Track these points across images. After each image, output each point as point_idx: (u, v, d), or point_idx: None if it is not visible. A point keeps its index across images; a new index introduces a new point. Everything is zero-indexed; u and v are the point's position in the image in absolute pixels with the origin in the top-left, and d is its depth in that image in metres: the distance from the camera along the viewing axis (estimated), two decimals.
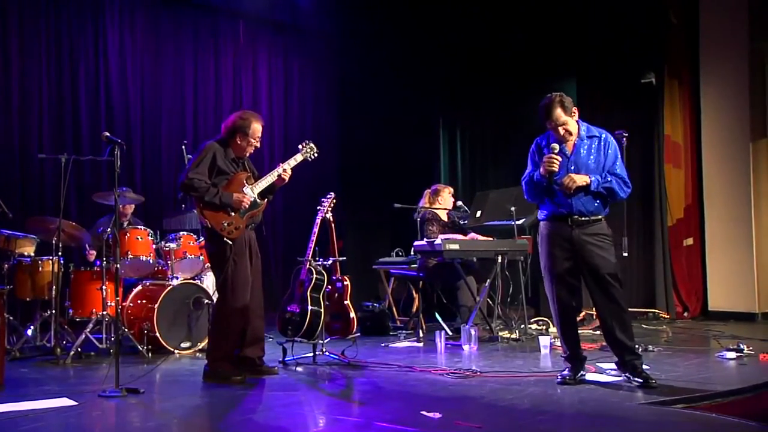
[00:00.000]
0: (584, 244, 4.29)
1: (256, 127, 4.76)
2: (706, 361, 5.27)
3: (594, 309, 4.53)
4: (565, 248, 4.33)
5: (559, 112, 4.28)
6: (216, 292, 4.89)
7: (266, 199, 4.88)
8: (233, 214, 4.65)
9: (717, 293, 7.98)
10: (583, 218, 4.31)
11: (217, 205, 4.60)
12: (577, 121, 4.39)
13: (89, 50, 7.95)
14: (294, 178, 9.14)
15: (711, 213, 8.08)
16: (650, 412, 3.74)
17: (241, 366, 4.79)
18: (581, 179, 4.25)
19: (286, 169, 4.85)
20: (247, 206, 4.70)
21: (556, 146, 4.29)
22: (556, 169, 4.25)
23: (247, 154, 4.84)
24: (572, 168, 4.31)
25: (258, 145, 4.82)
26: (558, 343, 5.87)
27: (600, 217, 4.37)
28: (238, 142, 4.75)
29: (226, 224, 4.62)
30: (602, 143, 4.38)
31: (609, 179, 4.31)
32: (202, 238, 5.93)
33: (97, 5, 8.01)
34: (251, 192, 4.75)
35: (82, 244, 6.35)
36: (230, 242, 4.61)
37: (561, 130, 4.31)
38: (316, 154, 5.06)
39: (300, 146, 5.08)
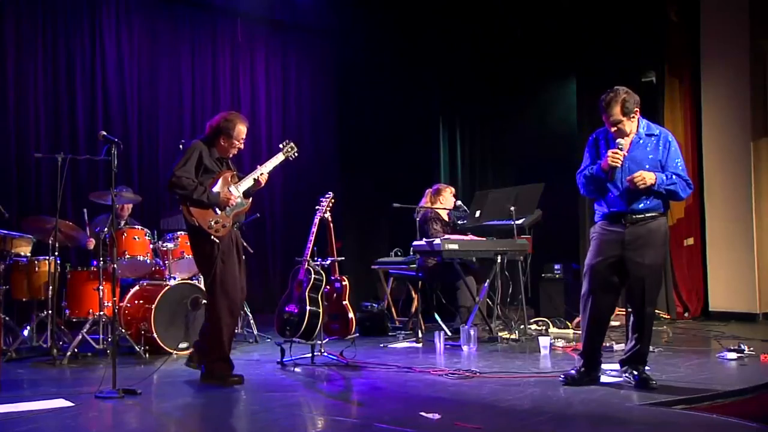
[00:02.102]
0: (635, 243, 4.21)
1: (241, 129, 4.77)
2: (706, 361, 5.25)
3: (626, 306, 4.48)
4: (613, 249, 4.25)
5: (617, 110, 4.17)
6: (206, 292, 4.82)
7: (250, 199, 4.90)
8: (220, 212, 4.65)
9: (717, 293, 7.95)
10: (637, 215, 4.23)
11: (204, 203, 4.60)
12: (638, 118, 4.30)
13: (86, 49, 7.93)
14: (293, 178, 9.29)
15: (711, 212, 8.05)
16: (651, 413, 3.73)
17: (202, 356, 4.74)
18: (650, 177, 4.15)
19: (263, 172, 4.87)
20: (233, 205, 4.71)
21: (622, 141, 4.20)
22: (619, 165, 4.18)
23: (231, 155, 4.84)
24: (628, 165, 4.22)
25: (242, 146, 4.82)
26: (558, 343, 5.90)
27: (655, 214, 4.27)
28: (222, 143, 4.75)
29: (213, 223, 4.61)
30: (661, 142, 4.29)
31: (674, 180, 4.22)
32: None
33: (93, 3, 7.99)
34: (236, 191, 4.76)
35: (80, 242, 6.32)
36: (217, 241, 4.60)
37: (613, 128, 4.22)
38: (296, 154, 5.09)
39: (281, 146, 5.10)
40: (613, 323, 6.90)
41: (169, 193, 4.66)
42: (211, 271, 4.57)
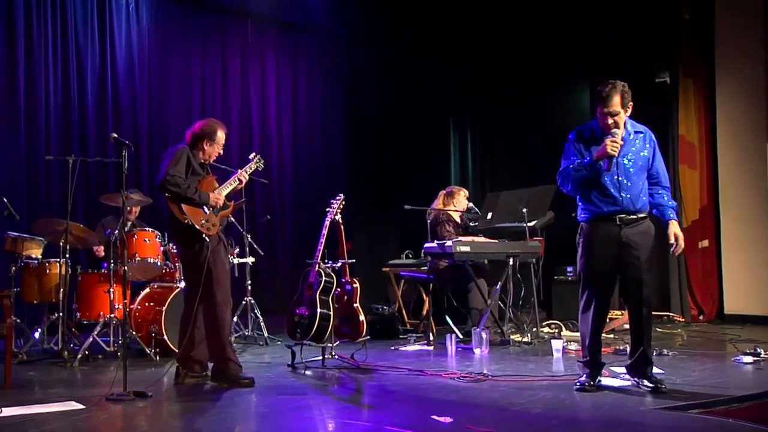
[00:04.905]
0: (630, 244, 4.16)
1: (221, 135, 4.94)
2: (722, 365, 5.20)
3: (623, 310, 4.43)
4: (609, 250, 4.19)
5: (617, 101, 4.12)
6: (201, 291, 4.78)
7: (233, 201, 5.03)
8: (208, 212, 4.77)
9: (733, 296, 7.88)
10: (632, 216, 4.18)
11: (196, 202, 4.72)
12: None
13: (96, 50, 7.93)
14: (303, 180, 9.27)
15: (727, 214, 7.97)
16: (665, 417, 3.69)
17: (188, 369, 4.75)
18: (679, 230, 4.20)
19: (244, 176, 5.04)
20: (220, 206, 4.86)
21: (617, 131, 4.13)
22: (617, 153, 4.10)
23: (211, 160, 4.97)
24: (621, 161, 4.17)
25: (221, 152, 4.98)
26: (571, 346, 5.84)
27: (646, 214, 4.24)
28: (205, 148, 4.89)
29: (204, 221, 4.72)
30: (647, 139, 4.28)
31: (674, 205, 4.29)
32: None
33: (103, 5, 8.00)
34: (222, 193, 4.91)
35: (91, 245, 6.32)
36: (207, 239, 4.69)
37: (610, 120, 4.15)
38: (263, 165, 5.31)
39: (251, 156, 5.29)
40: (626, 326, 6.88)
41: (161, 192, 4.80)
42: (204, 266, 4.63)
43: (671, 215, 4.25)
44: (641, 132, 4.29)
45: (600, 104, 4.16)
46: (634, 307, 4.24)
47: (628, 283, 4.24)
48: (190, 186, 4.69)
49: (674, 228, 4.22)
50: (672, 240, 4.22)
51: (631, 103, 4.20)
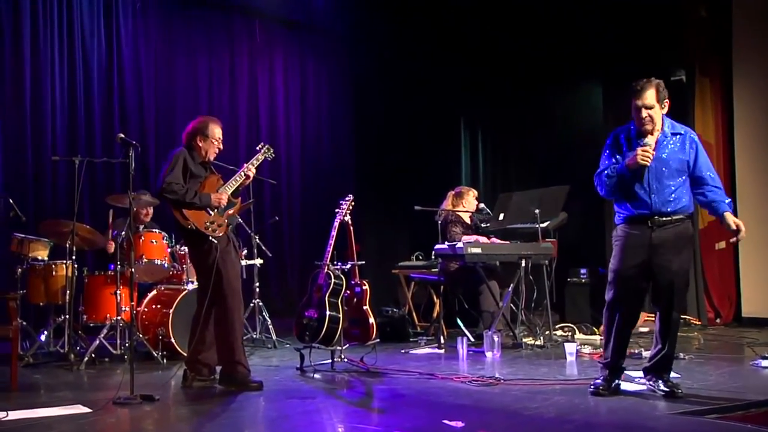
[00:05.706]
0: (662, 247, 4.07)
1: (214, 128, 4.88)
2: (739, 369, 5.14)
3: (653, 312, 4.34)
4: (640, 252, 4.10)
5: (651, 93, 4.04)
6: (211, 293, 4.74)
7: (239, 198, 4.96)
8: (212, 213, 4.71)
9: (751, 298, 7.78)
10: (664, 218, 4.08)
11: (197, 205, 4.67)
12: (662, 116, 4.16)
13: (102, 50, 7.92)
14: (312, 180, 9.23)
15: (744, 215, 7.81)
16: (681, 422, 3.63)
17: (196, 372, 4.70)
18: (740, 222, 4.06)
19: (251, 170, 4.94)
20: (224, 205, 4.79)
21: (650, 142, 4.05)
22: (649, 163, 4.02)
23: (212, 157, 4.91)
24: (654, 165, 4.06)
25: (220, 147, 4.92)
26: (585, 349, 5.77)
27: (682, 216, 4.13)
28: (200, 145, 4.83)
29: (209, 223, 4.67)
30: (687, 141, 4.16)
31: (723, 198, 4.14)
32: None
33: (110, 5, 7.99)
34: (225, 191, 4.84)
35: (98, 245, 6.29)
36: (215, 241, 4.64)
37: (644, 113, 4.05)
38: (273, 155, 5.20)
39: (258, 147, 5.18)
40: (642, 329, 6.80)
41: (161, 201, 4.75)
42: (213, 269, 4.59)
43: (724, 207, 4.10)
44: (679, 133, 4.18)
45: (633, 97, 4.08)
46: (664, 311, 4.15)
47: (659, 286, 4.14)
48: (188, 190, 4.63)
49: (731, 217, 4.07)
50: (734, 228, 4.06)
51: (667, 100, 4.11)
